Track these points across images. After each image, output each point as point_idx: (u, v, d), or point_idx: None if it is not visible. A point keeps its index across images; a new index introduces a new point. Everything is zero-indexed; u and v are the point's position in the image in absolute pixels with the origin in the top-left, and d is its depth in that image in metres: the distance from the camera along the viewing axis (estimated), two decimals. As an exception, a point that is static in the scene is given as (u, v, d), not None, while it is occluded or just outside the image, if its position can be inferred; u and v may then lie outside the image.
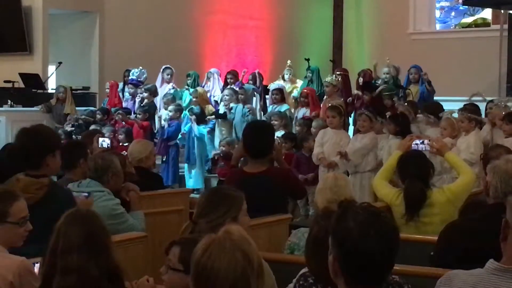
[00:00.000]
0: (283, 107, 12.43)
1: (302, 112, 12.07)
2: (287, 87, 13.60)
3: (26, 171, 5.08)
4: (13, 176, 5.23)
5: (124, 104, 14.00)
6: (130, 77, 14.11)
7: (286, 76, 13.94)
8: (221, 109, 12.69)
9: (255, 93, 13.23)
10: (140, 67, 14.18)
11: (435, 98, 11.88)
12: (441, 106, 10.10)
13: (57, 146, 5.20)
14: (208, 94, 13.62)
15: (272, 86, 13.21)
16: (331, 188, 5.10)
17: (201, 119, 12.58)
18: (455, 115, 9.22)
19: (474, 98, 9.95)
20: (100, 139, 7.16)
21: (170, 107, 12.85)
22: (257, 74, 13.87)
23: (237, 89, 12.96)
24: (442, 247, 4.67)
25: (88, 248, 3.41)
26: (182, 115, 12.90)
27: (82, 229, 3.45)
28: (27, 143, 5.10)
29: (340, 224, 2.68)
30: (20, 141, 5.20)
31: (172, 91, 13.84)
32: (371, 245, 2.62)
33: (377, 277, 2.70)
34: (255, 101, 13.25)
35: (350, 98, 12.21)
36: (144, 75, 14.09)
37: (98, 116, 13.24)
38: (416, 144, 6.45)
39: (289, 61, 14.08)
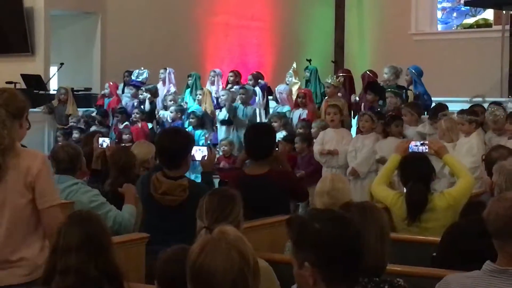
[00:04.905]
0: (284, 108, 12.42)
1: (298, 112, 12.02)
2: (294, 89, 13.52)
3: (162, 171, 5.48)
4: (147, 174, 5.69)
5: (125, 105, 14.01)
6: (131, 78, 14.14)
7: (288, 79, 13.74)
8: (221, 115, 12.70)
9: (255, 94, 13.25)
10: (142, 67, 14.20)
11: (437, 99, 11.86)
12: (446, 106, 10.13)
13: (192, 145, 5.71)
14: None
15: (280, 88, 13.11)
16: (329, 192, 5.08)
17: (202, 123, 12.61)
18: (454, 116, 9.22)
19: (475, 100, 9.95)
20: (101, 139, 7.13)
21: (171, 108, 12.89)
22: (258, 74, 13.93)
23: (234, 89, 13.01)
24: (445, 248, 4.67)
25: (87, 249, 3.42)
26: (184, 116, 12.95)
27: (82, 230, 3.46)
28: (173, 144, 5.49)
29: (305, 230, 2.78)
30: (166, 142, 5.57)
31: (172, 90, 13.89)
32: (342, 233, 2.76)
33: (355, 266, 2.80)
34: (257, 100, 13.25)
35: (357, 98, 12.19)
36: (144, 76, 14.10)
37: (97, 118, 13.29)
38: (416, 146, 6.41)
39: (294, 64, 13.97)
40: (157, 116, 13.40)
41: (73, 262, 3.39)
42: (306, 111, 11.93)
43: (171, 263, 3.41)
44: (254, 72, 14.21)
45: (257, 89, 13.49)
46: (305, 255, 2.76)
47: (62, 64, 15.09)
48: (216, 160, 11.64)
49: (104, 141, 7.07)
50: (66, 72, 15.32)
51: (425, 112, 10.90)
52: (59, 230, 3.49)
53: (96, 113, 13.65)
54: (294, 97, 12.67)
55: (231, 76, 13.95)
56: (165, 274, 3.42)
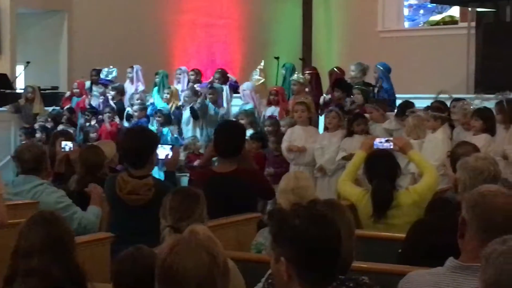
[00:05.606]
0: (248, 106, 12.38)
1: (271, 110, 12.02)
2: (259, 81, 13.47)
3: (127, 170, 5.47)
4: (113, 175, 5.66)
5: (93, 104, 13.92)
6: (100, 77, 14.06)
7: (254, 77, 13.66)
8: (185, 113, 12.66)
9: (223, 90, 13.22)
10: (111, 66, 14.13)
11: (404, 96, 11.92)
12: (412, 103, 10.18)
13: (157, 144, 5.70)
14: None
15: (243, 85, 13.08)
16: (293, 189, 5.09)
17: (169, 121, 12.58)
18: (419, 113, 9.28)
19: (441, 96, 10.01)
20: (63, 143, 7.04)
21: (135, 107, 12.85)
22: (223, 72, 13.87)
23: (199, 88, 12.96)
24: (410, 244, 4.68)
25: (50, 251, 3.38)
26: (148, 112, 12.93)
27: (44, 231, 3.42)
28: (138, 143, 5.46)
29: (285, 225, 2.77)
30: (130, 141, 5.55)
31: (140, 88, 13.84)
32: (320, 233, 2.75)
33: (331, 267, 2.79)
34: (225, 98, 13.20)
35: (325, 95, 12.21)
36: (113, 74, 14.03)
37: (65, 116, 13.21)
38: (381, 142, 6.42)
39: (262, 63, 13.95)
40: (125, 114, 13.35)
41: (35, 264, 3.35)
42: (278, 109, 11.96)
43: (125, 263, 3.40)
44: (219, 69, 14.10)
45: (224, 86, 13.44)
46: (282, 250, 2.76)
47: (28, 62, 14.97)
48: (187, 159, 11.68)
49: (67, 145, 6.99)
50: (32, 70, 15.20)
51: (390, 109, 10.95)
52: (20, 231, 3.46)
53: (64, 111, 13.56)
54: (259, 94, 12.67)
55: (192, 75, 13.90)
56: (119, 275, 3.41)
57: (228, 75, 13.87)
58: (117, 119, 12.94)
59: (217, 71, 13.94)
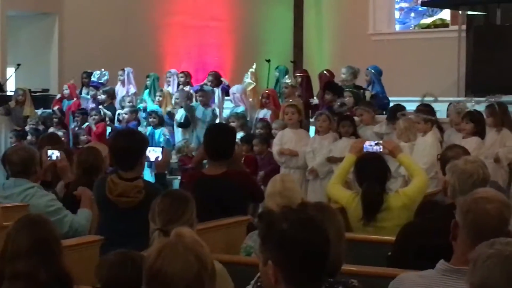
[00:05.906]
0: (240, 108, 12.39)
1: (263, 113, 12.03)
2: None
3: (117, 173, 5.43)
4: (103, 177, 5.63)
5: (84, 107, 13.91)
6: (91, 79, 14.05)
7: (245, 80, 13.63)
8: (178, 115, 12.65)
9: (215, 93, 13.22)
10: (102, 69, 14.11)
11: (395, 98, 11.94)
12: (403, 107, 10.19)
13: (147, 146, 5.64)
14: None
15: (233, 88, 13.11)
16: (281, 192, 5.09)
17: (163, 122, 12.57)
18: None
19: (426, 98, 10.02)
20: (49, 152, 6.95)
21: (125, 109, 12.83)
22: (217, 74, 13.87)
23: (192, 91, 12.95)
24: (400, 247, 4.68)
25: (37, 254, 3.37)
26: (140, 115, 12.90)
27: (31, 234, 3.41)
28: (127, 145, 5.41)
29: (272, 229, 2.76)
30: (120, 143, 5.49)
31: (132, 91, 13.82)
32: (307, 237, 2.75)
33: (318, 271, 2.78)
34: (216, 101, 13.19)
35: (315, 97, 12.23)
36: (105, 77, 14.02)
37: (55, 120, 13.18)
38: (371, 145, 6.42)
39: (254, 66, 13.95)
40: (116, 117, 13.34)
41: (22, 267, 3.34)
42: (269, 112, 11.98)
43: (117, 267, 3.39)
44: (213, 72, 14.09)
45: (216, 89, 13.43)
46: (270, 253, 2.76)
47: (19, 65, 14.93)
48: (181, 162, 11.67)
49: (53, 153, 6.92)
50: (23, 73, 15.16)
51: (383, 112, 10.96)
52: (7, 234, 3.45)
53: (54, 113, 13.53)
54: (250, 98, 12.67)
55: (181, 77, 13.93)
56: (110, 278, 3.39)
57: (221, 78, 13.89)
58: (107, 121, 12.92)
59: (210, 73, 13.94)
